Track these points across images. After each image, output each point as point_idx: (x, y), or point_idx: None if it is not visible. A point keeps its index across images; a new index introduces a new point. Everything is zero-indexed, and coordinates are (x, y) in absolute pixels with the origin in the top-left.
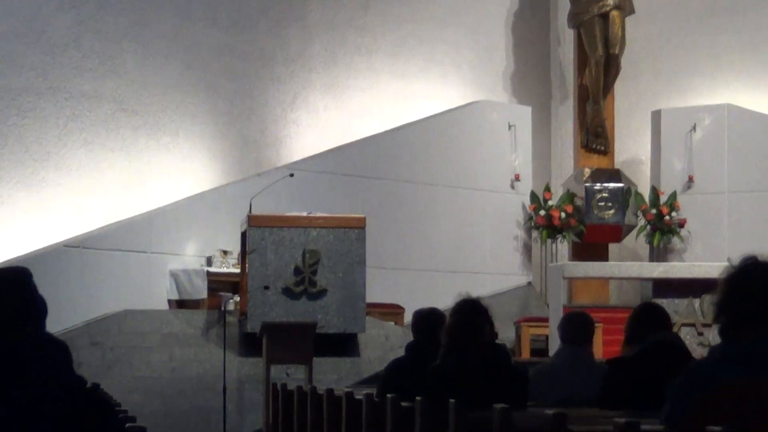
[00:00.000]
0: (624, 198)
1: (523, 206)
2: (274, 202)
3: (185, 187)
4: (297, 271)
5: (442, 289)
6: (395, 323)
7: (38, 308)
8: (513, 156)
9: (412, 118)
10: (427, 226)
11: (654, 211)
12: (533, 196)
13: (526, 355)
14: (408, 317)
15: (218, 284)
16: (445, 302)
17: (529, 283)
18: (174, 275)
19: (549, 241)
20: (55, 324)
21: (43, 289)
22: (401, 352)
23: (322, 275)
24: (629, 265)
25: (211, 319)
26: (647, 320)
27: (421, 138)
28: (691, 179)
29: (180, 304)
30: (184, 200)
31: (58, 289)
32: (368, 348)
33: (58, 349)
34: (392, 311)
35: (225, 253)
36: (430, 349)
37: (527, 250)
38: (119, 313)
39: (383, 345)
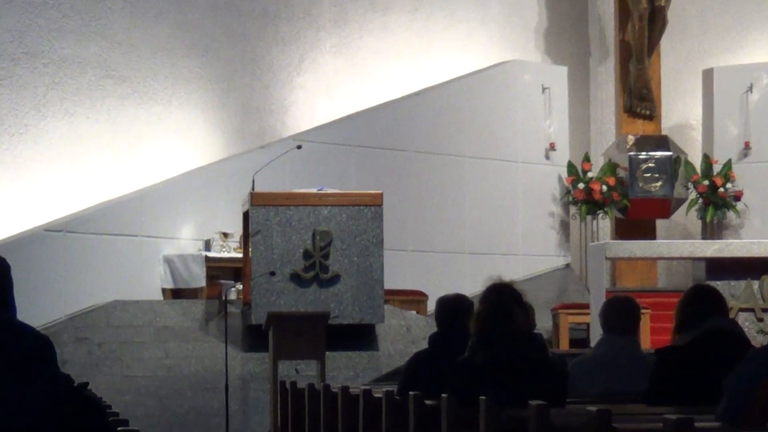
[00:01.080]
0: (672, 168)
1: (560, 179)
2: (279, 177)
3: (180, 162)
4: (306, 254)
5: (469, 273)
6: (417, 312)
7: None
8: (547, 122)
9: (434, 81)
10: (451, 203)
11: (706, 182)
12: (571, 168)
13: (564, 346)
14: (432, 305)
15: (218, 271)
16: (473, 288)
17: (567, 266)
18: (168, 261)
19: (589, 217)
20: (36, 317)
21: (22, 278)
22: (424, 345)
23: (334, 259)
24: (679, 243)
25: (210, 310)
26: (700, 305)
27: (444, 104)
28: (747, 146)
29: (175, 293)
30: (179, 177)
31: (38, 278)
32: (387, 340)
33: (39, 344)
34: (414, 299)
35: (225, 235)
36: (456, 341)
37: (564, 228)
38: (107, 305)
39: (404, 337)
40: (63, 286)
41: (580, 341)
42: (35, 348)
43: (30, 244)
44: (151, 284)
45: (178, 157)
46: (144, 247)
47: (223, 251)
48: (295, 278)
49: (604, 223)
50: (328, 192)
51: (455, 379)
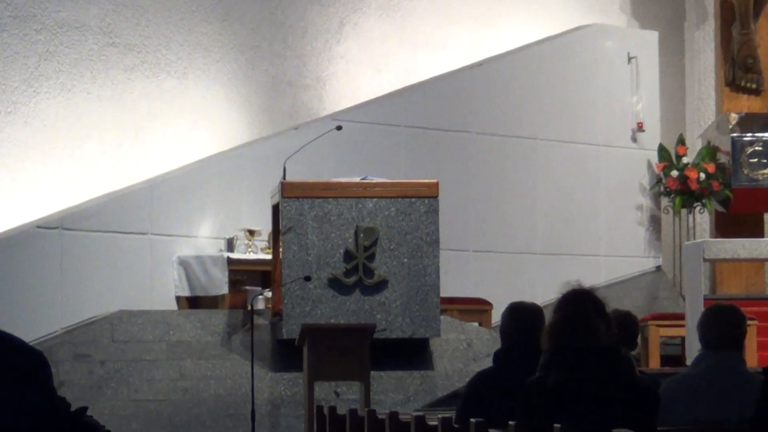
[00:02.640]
0: None
1: (649, 165)
2: (315, 164)
3: (197, 146)
4: (348, 256)
5: (541, 277)
6: (480, 324)
7: None
8: (634, 98)
9: (499, 50)
10: (520, 194)
11: None
12: (662, 152)
13: (655, 364)
14: (497, 316)
15: (243, 275)
16: (545, 295)
17: (658, 268)
18: (183, 264)
19: (684, 211)
20: (27, 331)
21: (9, 285)
22: (488, 363)
23: (381, 261)
24: None
25: (233, 322)
26: None
27: (511, 77)
28: None
29: (192, 302)
30: (196, 164)
31: (29, 284)
32: (444, 358)
33: (30, 359)
34: (476, 308)
35: (251, 233)
36: (526, 358)
37: (655, 224)
38: (111, 316)
39: (464, 354)
40: (59, 294)
41: (673, 358)
42: (26, 363)
43: (19, 243)
44: (163, 291)
45: (195, 141)
46: (154, 248)
47: (249, 252)
48: (335, 284)
49: (702, 218)
50: (374, 181)
51: (524, 403)
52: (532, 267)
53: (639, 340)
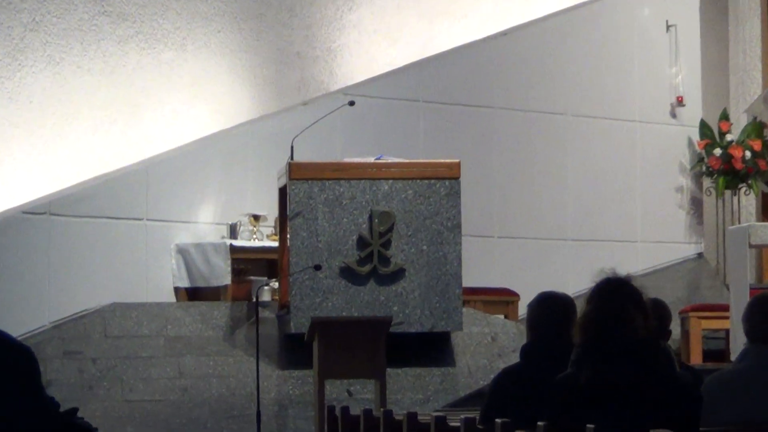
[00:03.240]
0: None
1: (690, 142)
2: (326, 143)
3: (196, 124)
4: (361, 242)
5: (572, 265)
6: (506, 317)
7: None
8: (673, 70)
9: (524, 18)
10: (550, 175)
11: None
12: (704, 128)
13: (696, 359)
14: (524, 307)
15: (247, 264)
16: (577, 284)
17: (700, 255)
18: (182, 252)
19: (728, 193)
20: (13, 325)
21: None
22: (515, 359)
23: (397, 248)
24: None
25: (237, 316)
26: None
27: (539, 47)
28: None
29: (192, 293)
30: (196, 144)
31: (14, 275)
32: (467, 353)
33: (17, 354)
34: (501, 299)
35: (256, 218)
36: (556, 353)
37: (696, 206)
38: (104, 309)
39: (489, 349)
40: (47, 285)
41: (717, 353)
42: (14, 360)
43: (4, 231)
44: (160, 282)
45: (195, 118)
46: (151, 235)
47: (254, 239)
48: (347, 273)
49: (748, 200)
50: (390, 161)
51: (554, 402)
52: (563, 254)
53: (675, 332)
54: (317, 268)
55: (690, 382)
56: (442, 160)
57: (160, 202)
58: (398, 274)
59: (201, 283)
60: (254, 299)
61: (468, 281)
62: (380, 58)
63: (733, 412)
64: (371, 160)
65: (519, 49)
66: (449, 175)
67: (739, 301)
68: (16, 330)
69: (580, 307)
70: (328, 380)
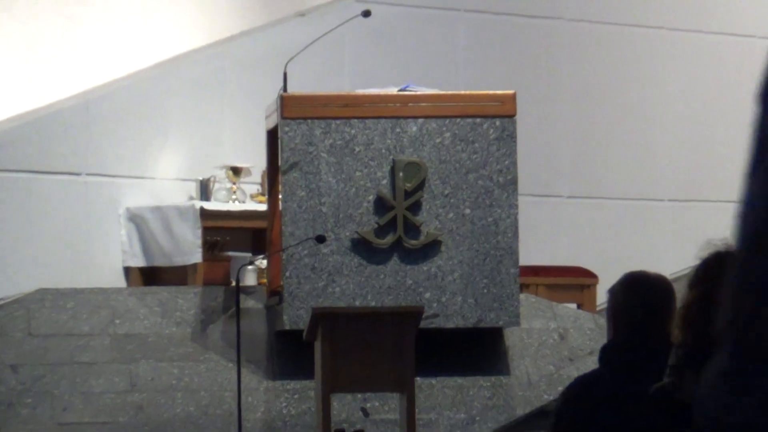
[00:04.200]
0: None
1: None
2: (332, 68)
3: (155, 43)
4: (381, 205)
5: (669, 235)
6: (579, 306)
7: None
8: None
9: None
10: (635, 113)
11: None
12: None
13: None
14: (603, 294)
15: (224, 235)
16: (676, 261)
17: None
18: (135, 219)
19: None
20: None
21: None
22: (591, 364)
23: (430, 213)
24: None
25: (210, 306)
26: None
27: None
28: None
29: (149, 275)
30: (154, 70)
31: None
32: (525, 357)
33: None
34: (573, 282)
35: (236, 172)
36: (649, 356)
37: None
38: (28, 298)
39: (556, 350)
40: None
41: None
42: None
43: None
44: (105, 260)
45: (152, 35)
46: (92, 195)
47: (233, 200)
48: (361, 247)
49: None
50: (419, 93)
51: (646, 421)
52: (656, 220)
53: None
54: (320, 240)
55: None
56: (491, 92)
57: (104, 151)
58: (431, 249)
59: (161, 261)
60: (234, 283)
61: (527, 257)
62: None
63: None
64: (394, 91)
65: None
66: (501, 112)
67: None
68: None
69: (681, 292)
70: (335, 394)
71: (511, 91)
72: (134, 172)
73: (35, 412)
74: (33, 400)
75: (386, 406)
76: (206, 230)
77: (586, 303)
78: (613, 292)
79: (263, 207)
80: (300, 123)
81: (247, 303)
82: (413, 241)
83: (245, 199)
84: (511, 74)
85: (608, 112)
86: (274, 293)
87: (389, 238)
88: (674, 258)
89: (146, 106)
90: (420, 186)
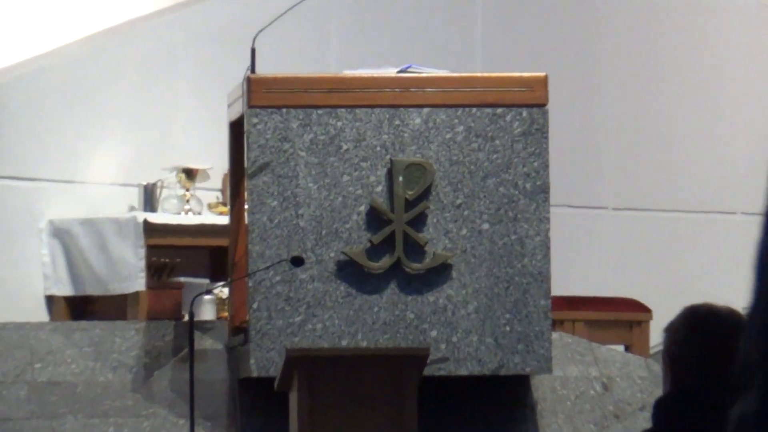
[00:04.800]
0: None
1: None
2: (315, 42)
3: (83, 10)
4: (375, 217)
5: (741, 258)
6: (628, 348)
7: None
8: None
9: None
10: (697, 101)
11: None
12: None
13: None
14: (659, 332)
15: (174, 256)
16: (748, 292)
17: None
18: (60, 234)
19: None
20: None
21: None
22: (644, 423)
23: (437, 228)
24: None
25: (157, 346)
26: None
27: None
28: None
29: (78, 306)
30: (82, 45)
31: None
32: (559, 413)
33: None
34: (620, 317)
35: (190, 175)
36: (716, 411)
37: None
38: None
39: (598, 404)
40: None
41: None
42: None
43: None
44: (23, 286)
45: (84, 1)
46: (5, 204)
47: (186, 212)
48: (350, 272)
49: None
50: (425, 75)
51: None
52: (726, 238)
53: None
54: (297, 262)
55: None
56: (516, 74)
57: (19, 149)
58: (439, 274)
59: (93, 289)
60: (187, 317)
61: (561, 285)
62: None
63: None
64: (392, 72)
65: None
66: (528, 101)
67: None
68: None
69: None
70: None
71: (541, 74)
72: (59, 176)
73: None
74: None
75: None
76: (151, 249)
77: (636, 344)
78: (672, 330)
79: (224, 220)
80: (272, 113)
81: (204, 342)
82: (416, 265)
83: (201, 209)
84: (541, 52)
85: (664, 102)
86: (238, 330)
87: (385, 261)
88: (748, 286)
89: (74, 92)
90: (425, 194)
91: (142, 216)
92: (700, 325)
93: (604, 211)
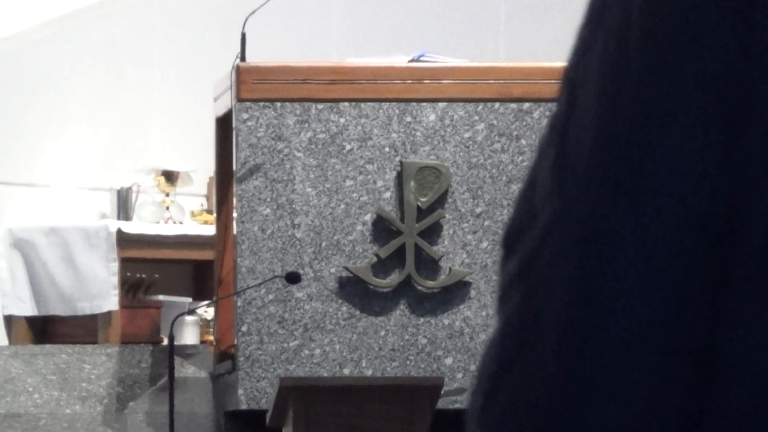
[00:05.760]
0: None
1: None
2: (315, 27)
3: None
4: (382, 227)
5: None
6: None
7: None
8: None
9: None
10: None
11: None
12: None
13: None
14: None
15: (150, 270)
16: None
17: None
18: (21, 246)
19: None
20: None
21: None
22: None
23: (454, 240)
24: None
25: (131, 374)
26: None
27: None
28: None
29: (41, 327)
30: (45, 27)
31: None
32: None
33: None
34: None
35: (170, 179)
36: None
37: None
38: None
39: None
40: None
41: None
42: None
43: None
44: None
45: None
46: None
47: (165, 220)
48: (353, 290)
49: None
50: (440, 65)
51: None
52: None
53: None
54: (292, 279)
55: None
56: (544, 64)
57: None
58: (455, 293)
59: (59, 309)
60: (166, 341)
61: None
62: None
63: None
64: (403, 61)
65: None
66: (555, 95)
67: None
68: None
69: None
70: None
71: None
72: (19, 178)
73: None
74: None
75: None
76: (125, 263)
77: None
78: None
79: (210, 230)
80: (265, 107)
81: (186, 370)
82: (429, 282)
83: (183, 218)
84: (572, 39)
85: None
86: (225, 356)
87: (394, 278)
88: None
89: (35, 82)
90: (440, 201)
91: (114, 225)
92: None
93: None
